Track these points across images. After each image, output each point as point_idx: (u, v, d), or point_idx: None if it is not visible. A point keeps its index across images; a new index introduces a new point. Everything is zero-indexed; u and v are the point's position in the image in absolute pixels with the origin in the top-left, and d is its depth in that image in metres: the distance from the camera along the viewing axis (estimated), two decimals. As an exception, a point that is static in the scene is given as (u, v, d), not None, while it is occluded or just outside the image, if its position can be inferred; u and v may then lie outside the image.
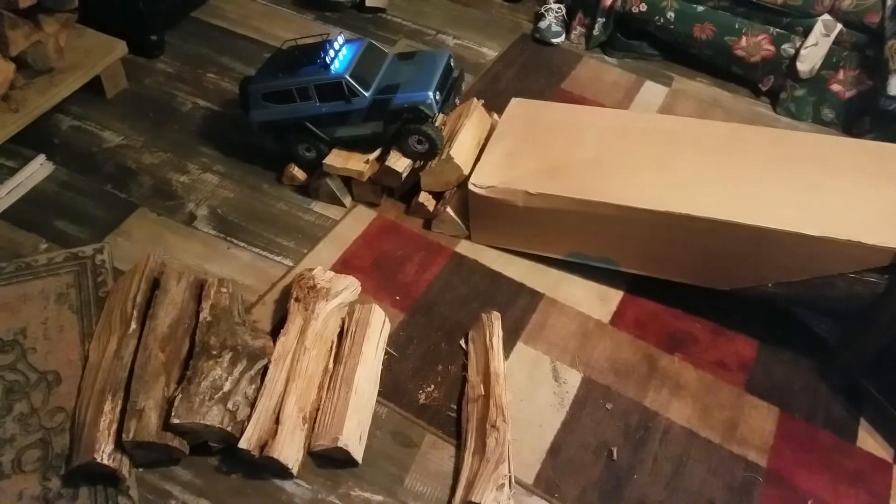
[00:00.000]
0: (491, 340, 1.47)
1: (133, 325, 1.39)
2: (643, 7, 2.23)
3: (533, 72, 2.27)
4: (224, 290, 1.47)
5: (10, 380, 1.39)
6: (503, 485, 1.26)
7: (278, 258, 1.67)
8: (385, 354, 1.48)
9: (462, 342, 1.53)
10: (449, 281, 1.65)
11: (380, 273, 1.65)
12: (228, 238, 1.71)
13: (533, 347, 1.54)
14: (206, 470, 1.30)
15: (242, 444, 1.24)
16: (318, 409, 1.35)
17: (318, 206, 1.80)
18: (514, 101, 1.86)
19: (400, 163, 1.68)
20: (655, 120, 1.95)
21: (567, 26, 2.41)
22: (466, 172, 1.68)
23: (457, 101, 1.83)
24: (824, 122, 2.19)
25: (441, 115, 1.74)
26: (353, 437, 1.30)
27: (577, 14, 2.37)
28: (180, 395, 1.26)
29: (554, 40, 2.38)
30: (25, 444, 1.31)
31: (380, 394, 1.42)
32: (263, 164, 1.87)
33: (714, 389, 1.50)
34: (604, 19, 2.31)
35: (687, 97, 2.24)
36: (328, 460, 1.32)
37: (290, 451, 1.26)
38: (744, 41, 2.16)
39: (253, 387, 1.33)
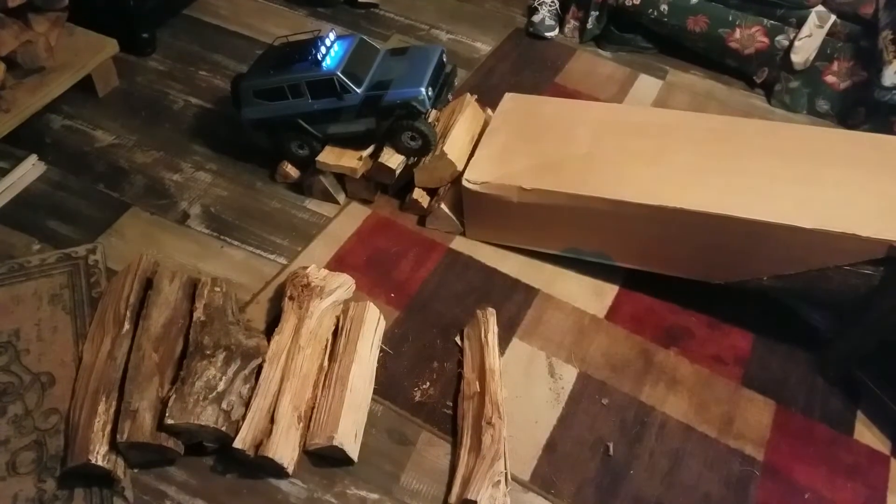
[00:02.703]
0: (486, 337, 1.47)
1: (126, 326, 1.38)
2: (637, 0, 2.22)
3: (527, 66, 2.26)
4: (217, 289, 1.47)
5: (4, 381, 1.38)
6: (499, 482, 1.26)
7: (272, 256, 1.67)
8: (380, 352, 1.48)
9: (457, 339, 1.53)
10: (444, 277, 1.65)
11: (374, 270, 1.65)
12: (222, 237, 1.70)
13: (528, 343, 1.54)
14: (202, 470, 1.30)
15: (237, 444, 1.24)
16: (313, 408, 1.34)
17: (312, 204, 1.80)
18: (507, 95, 1.85)
19: (393, 159, 1.67)
20: (650, 113, 1.95)
21: (561, 20, 2.40)
22: (460, 168, 1.67)
23: (449, 96, 1.82)
24: (819, 114, 2.18)
25: (434, 111, 1.73)
26: (349, 436, 1.30)
27: (571, 8, 2.36)
28: (174, 396, 1.25)
29: (548, 34, 2.37)
30: (20, 445, 1.30)
31: (375, 391, 1.42)
32: (256, 161, 1.87)
33: (710, 383, 1.50)
34: (597, 13, 2.30)
35: (681, 90, 2.23)
36: (324, 459, 1.32)
37: (285, 450, 1.26)
38: (738, 33, 2.15)
39: (247, 386, 1.32)
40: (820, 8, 2.05)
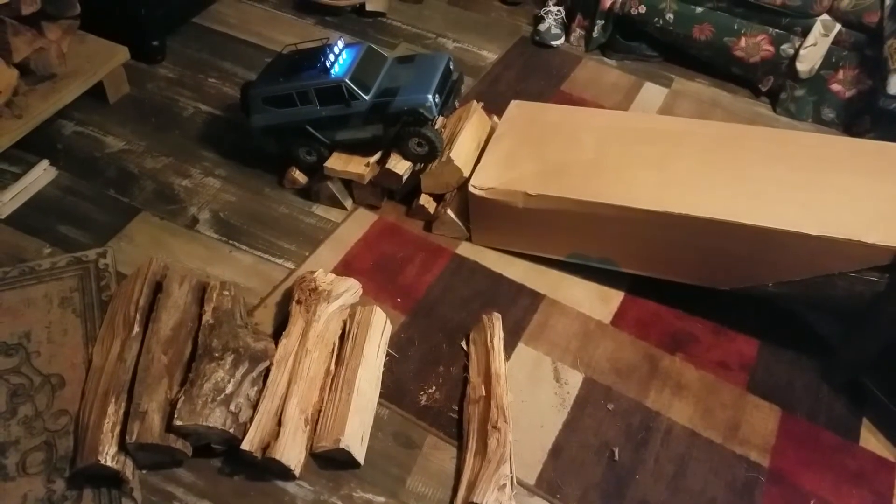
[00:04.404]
0: (492, 341, 1.47)
1: (136, 329, 1.40)
2: (642, 9, 2.23)
3: (532, 74, 2.28)
4: (226, 292, 1.48)
5: (15, 383, 1.40)
6: (505, 485, 1.26)
7: (280, 261, 1.68)
8: (386, 356, 1.49)
9: (463, 343, 1.53)
10: (450, 282, 1.66)
11: (381, 275, 1.66)
12: (230, 241, 1.72)
13: (534, 348, 1.55)
14: (209, 471, 1.31)
15: (245, 446, 1.25)
16: (319, 411, 1.35)
17: (320, 209, 1.81)
18: (513, 103, 1.87)
19: (400, 165, 1.69)
20: (655, 121, 1.96)
21: (566, 28, 2.42)
22: (466, 174, 1.68)
23: (456, 103, 1.83)
24: (824, 122, 2.19)
25: (441, 118, 1.75)
26: (355, 439, 1.31)
27: (577, 16, 2.38)
28: (183, 398, 1.27)
29: (553, 42, 2.38)
30: (30, 446, 1.31)
31: (381, 395, 1.43)
32: (265, 167, 1.88)
33: (715, 389, 1.51)
34: (603, 21, 2.32)
35: (686, 98, 2.24)
36: (330, 461, 1.32)
37: (292, 452, 1.26)
38: (743, 42, 2.16)
39: (255, 389, 1.33)
40: (825, 16, 2.06)
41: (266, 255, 1.69)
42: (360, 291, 1.57)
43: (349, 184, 1.78)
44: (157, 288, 1.49)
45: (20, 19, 1.69)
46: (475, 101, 1.86)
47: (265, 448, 1.26)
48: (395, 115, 1.62)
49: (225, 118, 2.03)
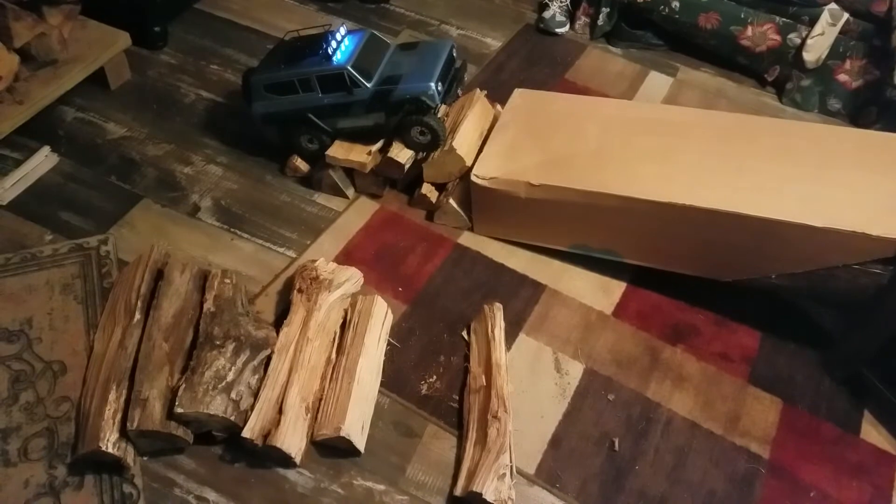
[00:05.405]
0: (493, 331, 1.47)
1: (137, 316, 1.40)
2: (648, -3, 2.21)
3: (536, 62, 2.26)
4: (227, 281, 1.48)
5: (17, 369, 1.40)
6: (504, 475, 1.26)
7: (281, 249, 1.68)
8: (387, 345, 1.49)
9: (464, 333, 1.53)
10: (451, 272, 1.66)
11: (382, 264, 1.66)
12: (232, 229, 1.72)
13: (535, 339, 1.54)
14: (210, 459, 1.31)
15: (246, 434, 1.25)
16: (320, 399, 1.35)
17: (321, 198, 1.81)
18: (517, 91, 1.85)
19: (402, 154, 1.68)
20: (659, 110, 1.94)
21: (571, 16, 2.40)
22: (469, 163, 1.68)
23: (459, 91, 1.82)
24: (830, 113, 2.17)
25: (443, 106, 1.73)
26: (356, 427, 1.31)
27: (582, 4, 2.35)
28: (184, 385, 1.27)
29: (558, 30, 2.36)
30: (31, 432, 1.32)
31: (382, 384, 1.43)
32: (266, 155, 1.88)
33: (717, 381, 1.50)
34: (608, 9, 2.30)
35: (692, 87, 2.23)
36: (331, 450, 1.33)
37: (292, 440, 1.27)
38: (749, 31, 2.14)
39: (256, 377, 1.34)
40: (833, 6, 2.04)
41: (267, 244, 1.69)
42: (362, 280, 1.57)
43: (351, 172, 1.77)
44: (159, 275, 1.49)
45: (21, 4, 1.69)
46: (478, 90, 1.85)
47: (266, 436, 1.26)
48: (397, 103, 1.61)
49: (227, 105, 2.02)
